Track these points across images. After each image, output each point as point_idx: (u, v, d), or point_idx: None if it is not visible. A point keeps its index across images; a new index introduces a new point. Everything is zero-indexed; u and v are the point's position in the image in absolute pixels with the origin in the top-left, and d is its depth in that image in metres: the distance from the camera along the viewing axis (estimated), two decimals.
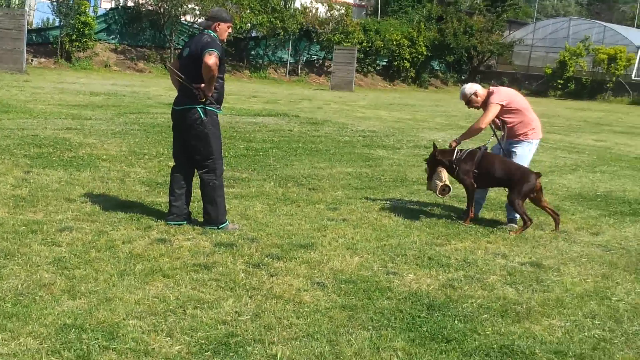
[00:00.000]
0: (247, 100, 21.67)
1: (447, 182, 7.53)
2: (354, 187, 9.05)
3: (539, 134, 7.80)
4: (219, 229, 6.40)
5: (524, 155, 7.69)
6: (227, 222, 6.53)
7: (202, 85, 6.16)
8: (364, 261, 5.79)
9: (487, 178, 7.52)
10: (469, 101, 7.80)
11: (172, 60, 6.16)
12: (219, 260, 5.51)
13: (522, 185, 7.23)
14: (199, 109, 6.27)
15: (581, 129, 20.88)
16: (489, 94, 7.65)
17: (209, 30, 6.35)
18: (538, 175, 7.38)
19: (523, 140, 7.68)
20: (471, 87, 7.84)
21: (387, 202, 8.17)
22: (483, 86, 7.96)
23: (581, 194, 9.84)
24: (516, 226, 7.45)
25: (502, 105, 7.54)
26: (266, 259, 5.62)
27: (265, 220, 6.85)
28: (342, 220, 7.15)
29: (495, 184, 7.70)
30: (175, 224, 6.43)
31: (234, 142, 12.09)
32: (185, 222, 6.52)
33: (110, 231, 6.05)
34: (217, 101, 6.40)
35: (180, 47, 33.96)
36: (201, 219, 6.59)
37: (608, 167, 12.75)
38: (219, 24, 6.38)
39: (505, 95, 7.65)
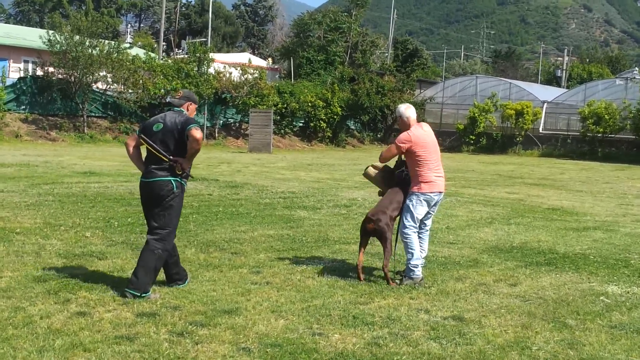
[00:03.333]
0: None
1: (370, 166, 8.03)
2: (276, 249, 9.05)
3: (431, 189, 7.67)
4: (141, 297, 6.30)
5: (407, 207, 7.67)
6: (150, 292, 6.42)
7: (180, 159, 6.52)
8: (289, 323, 5.76)
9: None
10: (396, 120, 8.07)
11: (136, 134, 6.31)
12: (141, 330, 5.39)
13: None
14: (172, 181, 6.57)
15: (495, 182, 21.51)
16: (405, 128, 7.75)
17: (180, 109, 6.82)
18: (369, 220, 7.53)
19: (414, 192, 7.64)
20: (402, 110, 7.84)
21: (310, 263, 8.19)
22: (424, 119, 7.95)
23: (498, 246, 10.10)
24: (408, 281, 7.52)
25: (400, 147, 7.64)
26: (190, 326, 5.54)
27: (188, 287, 6.76)
28: (266, 283, 7.12)
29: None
30: (181, 286, 6.79)
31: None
32: (187, 282, 6.89)
33: (28, 307, 5.85)
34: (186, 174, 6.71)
35: (96, 115, 33.77)
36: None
37: (522, 219, 13.13)
38: (190, 104, 6.94)
39: (407, 138, 7.62)
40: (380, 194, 8.16)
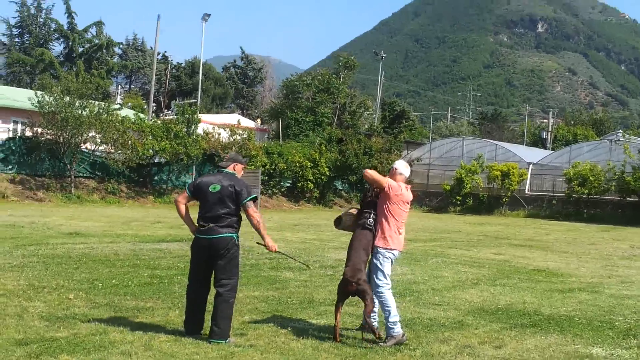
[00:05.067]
0: (151, 226, 21.47)
1: (343, 216, 8.07)
2: (261, 310, 9.01)
3: (396, 246, 7.81)
4: (226, 342, 7.07)
5: (375, 265, 7.72)
6: (230, 337, 7.21)
7: (268, 243, 7.47)
8: None
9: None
10: (389, 170, 8.10)
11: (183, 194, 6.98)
12: None
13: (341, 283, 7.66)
14: (235, 236, 7.30)
15: (481, 242, 21.57)
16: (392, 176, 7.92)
17: (230, 171, 7.52)
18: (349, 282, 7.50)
19: (380, 249, 7.71)
20: (402, 167, 8.07)
21: (295, 325, 8.16)
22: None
23: (483, 307, 10.10)
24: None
25: (389, 186, 7.74)
26: None
27: (171, 351, 6.71)
28: (250, 346, 7.08)
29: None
30: (192, 336, 7.25)
31: (137, 270, 11.90)
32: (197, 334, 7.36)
33: None
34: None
35: (84, 175, 33.78)
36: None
37: (508, 280, 13.15)
38: (236, 165, 7.61)
39: (399, 187, 7.84)
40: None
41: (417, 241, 20.74)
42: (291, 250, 16.27)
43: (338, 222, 8.22)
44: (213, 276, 7.40)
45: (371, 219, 7.80)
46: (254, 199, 7.37)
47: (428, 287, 11.72)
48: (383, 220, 7.77)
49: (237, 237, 7.37)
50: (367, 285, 7.55)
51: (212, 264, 7.32)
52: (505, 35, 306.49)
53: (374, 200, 7.93)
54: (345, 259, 7.88)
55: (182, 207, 7.50)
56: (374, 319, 7.82)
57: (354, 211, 8.18)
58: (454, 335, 7.98)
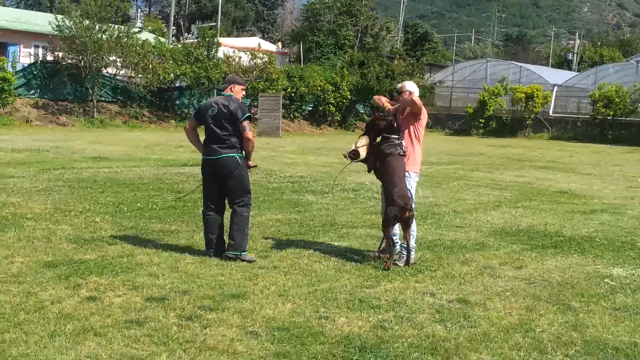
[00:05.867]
0: (174, 150, 21.60)
1: (359, 148, 7.72)
2: (284, 233, 9.12)
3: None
4: (241, 255, 7.35)
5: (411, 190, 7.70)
6: (247, 252, 7.47)
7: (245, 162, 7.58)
8: (296, 307, 5.84)
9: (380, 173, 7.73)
10: (401, 93, 7.85)
11: (189, 123, 7.04)
12: (150, 315, 5.47)
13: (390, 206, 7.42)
14: (237, 156, 7.46)
15: (503, 165, 21.51)
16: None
17: (227, 93, 7.63)
18: (405, 209, 7.37)
19: (413, 173, 7.73)
20: (412, 86, 7.90)
21: (317, 247, 8.25)
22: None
23: (504, 229, 10.14)
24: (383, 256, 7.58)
25: (418, 114, 7.67)
26: (198, 310, 5.62)
27: (197, 272, 6.84)
28: (273, 267, 7.20)
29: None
30: (215, 258, 7.37)
31: (162, 193, 12.05)
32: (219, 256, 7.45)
33: (39, 292, 5.95)
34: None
35: (106, 99, 33.89)
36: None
37: (530, 202, 13.15)
38: (233, 86, 7.68)
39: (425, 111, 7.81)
40: (370, 167, 7.99)
41: (439, 164, 20.74)
42: (313, 174, 16.37)
43: (355, 156, 7.76)
44: (226, 199, 7.63)
45: (404, 147, 7.60)
46: (249, 118, 7.49)
47: (450, 209, 11.77)
48: (415, 144, 7.72)
49: (240, 156, 7.51)
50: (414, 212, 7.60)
51: (221, 185, 7.53)
52: None
53: (392, 123, 7.67)
54: (385, 184, 7.66)
55: (190, 134, 7.87)
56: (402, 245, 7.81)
57: (364, 141, 7.83)
58: (474, 256, 8.05)
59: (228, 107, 7.42)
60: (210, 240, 7.58)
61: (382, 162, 7.65)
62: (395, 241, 7.63)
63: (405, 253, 7.56)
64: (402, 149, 7.58)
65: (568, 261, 8.08)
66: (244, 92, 7.89)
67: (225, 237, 7.61)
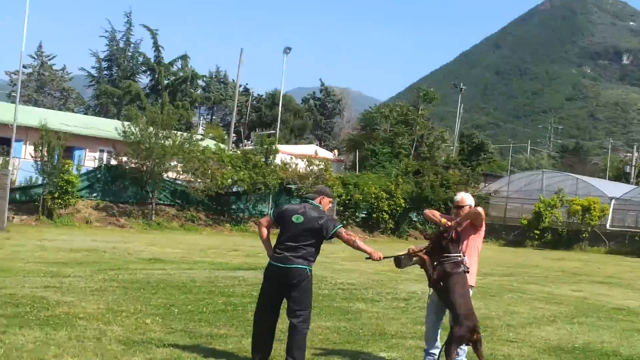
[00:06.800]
0: (228, 253, 21.80)
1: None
2: (332, 341, 9.05)
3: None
4: None
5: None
6: None
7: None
8: None
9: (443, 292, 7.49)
10: (460, 207, 7.79)
11: (268, 219, 7.08)
12: None
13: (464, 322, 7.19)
14: (308, 269, 7.28)
15: (559, 279, 21.07)
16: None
17: (315, 203, 7.50)
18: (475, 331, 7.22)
19: (472, 287, 7.59)
20: (469, 199, 7.90)
21: (366, 357, 8.16)
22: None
23: (559, 346, 9.87)
24: None
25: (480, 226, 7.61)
26: None
27: None
28: None
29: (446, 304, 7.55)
30: None
31: (212, 297, 12.12)
32: None
33: None
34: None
35: (164, 202, 34.62)
36: None
37: (586, 318, 12.80)
38: (323, 198, 7.59)
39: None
40: (432, 284, 7.75)
41: (493, 275, 20.42)
42: (365, 282, 16.29)
43: (398, 263, 7.94)
44: (286, 306, 7.36)
45: (466, 262, 7.50)
46: (343, 227, 7.43)
47: (503, 322, 11.53)
48: (473, 257, 7.67)
49: (311, 269, 7.32)
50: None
51: (283, 293, 7.30)
52: (589, 67, 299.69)
53: (449, 242, 7.57)
54: (448, 304, 7.49)
55: (264, 230, 7.54)
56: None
57: (413, 250, 7.87)
58: None
59: (320, 220, 7.27)
60: (258, 346, 7.34)
61: (445, 280, 7.49)
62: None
63: None
64: (465, 267, 7.48)
65: None
66: (330, 205, 7.79)
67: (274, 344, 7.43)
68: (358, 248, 7.38)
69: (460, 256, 7.50)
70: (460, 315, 7.21)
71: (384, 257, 7.45)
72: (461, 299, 7.29)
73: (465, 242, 7.65)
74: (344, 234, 7.28)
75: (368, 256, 7.42)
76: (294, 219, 7.28)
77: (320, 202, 7.52)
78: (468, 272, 7.47)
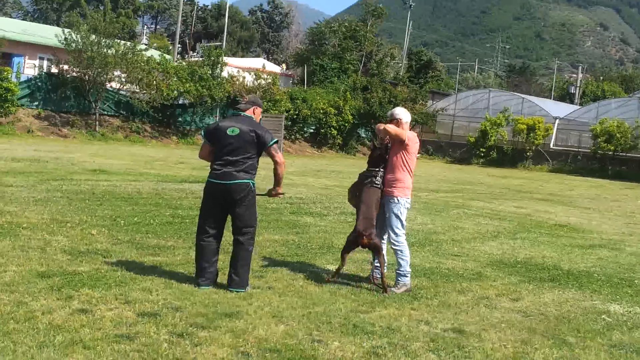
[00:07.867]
0: (174, 166, 21.58)
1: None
2: (280, 254, 9.07)
3: (409, 195, 7.78)
4: (245, 291, 6.90)
5: (396, 215, 7.65)
6: (250, 285, 7.07)
7: (277, 189, 7.33)
8: (289, 329, 5.77)
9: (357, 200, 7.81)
10: (390, 121, 7.82)
11: (204, 135, 6.70)
12: (141, 330, 5.41)
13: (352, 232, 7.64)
14: (251, 182, 7.05)
15: (503, 196, 21.48)
16: (398, 126, 7.72)
17: (247, 114, 7.22)
18: (361, 236, 7.48)
19: (402, 198, 7.65)
20: (402, 114, 7.83)
21: (314, 270, 8.20)
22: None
23: (502, 260, 10.08)
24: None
25: (407, 141, 7.61)
26: (190, 328, 5.55)
27: (190, 289, 6.78)
28: (268, 288, 7.13)
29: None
30: (206, 287, 6.88)
31: (159, 209, 12.00)
32: (212, 286, 6.99)
33: (30, 302, 5.89)
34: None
35: (108, 113, 33.93)
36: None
37: (528, 234, 13.11)
38: (256, 108, 7.32)
39: (409, 134, 7.73)
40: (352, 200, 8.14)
41: (439, 192, 20.71)
42: (312, 196, 16.33)
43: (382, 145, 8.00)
44: (231, 224, 7.18)
45: (379, 178, 7.68)
46: (276, 142, 7.17)
47: (448, 237, 11.72)
48: (402, 171, 7.65)
49: (254, 183, 7.10)
50: (378, 239, 7.61)
51: (228, 210, 7.09)
52: None
53: (382, 155, 7.81)
54: (357, 212, 7.77)
55: (208, 159, 7.21)
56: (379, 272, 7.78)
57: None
58: (471, 286, 7.99)
59: (255, 131, 6.98)
60: (204, 269, 7.03)
61: (359, 191, 7.85)
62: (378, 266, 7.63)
63: (379, 276, 7.55)
64: (375, 182, 7.69)
65: (565, 295, 8.02)
66: (261, 116, 7.53)
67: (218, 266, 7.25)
68: (279, 177, 7.23)
69: (375, 170, 7.75)
70: (357, 221, 7.61)
71: (281, 193, 7.49)
72: (364, 207, 7.61)
73: (395, 157, 7.69)
74: (278, 153, 7.12)
75: (267, 193, 7.39)
76: (229, 131, 6.99)
77: (253, 113, 7.27)
78: (377, 186, 7.66)
